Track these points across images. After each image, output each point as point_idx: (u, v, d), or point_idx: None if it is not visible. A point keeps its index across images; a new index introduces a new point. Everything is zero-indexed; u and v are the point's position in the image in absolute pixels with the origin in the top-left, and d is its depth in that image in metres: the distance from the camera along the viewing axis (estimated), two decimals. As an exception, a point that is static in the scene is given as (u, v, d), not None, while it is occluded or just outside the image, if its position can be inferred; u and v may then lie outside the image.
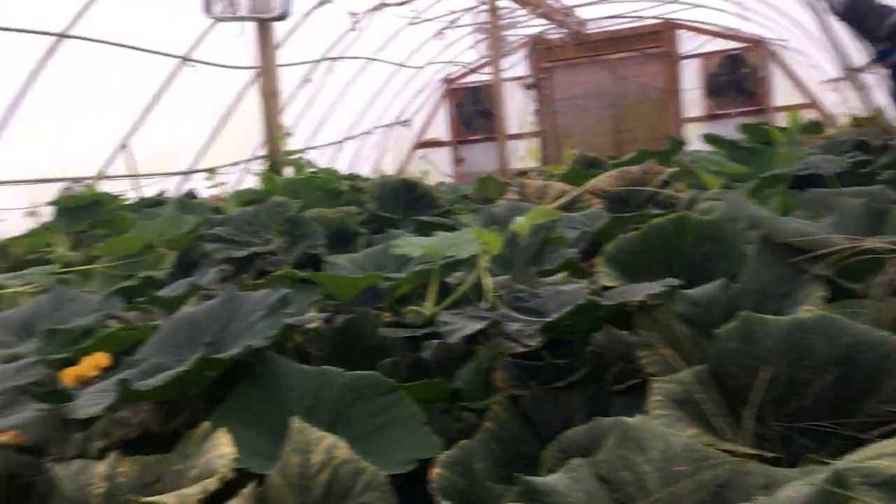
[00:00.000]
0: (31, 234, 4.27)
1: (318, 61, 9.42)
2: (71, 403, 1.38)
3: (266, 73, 5.80)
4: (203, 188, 6.63)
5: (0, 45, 5.64)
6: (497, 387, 1.45)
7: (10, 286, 2.84)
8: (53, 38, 5.94)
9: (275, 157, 5.51)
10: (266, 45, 5.79)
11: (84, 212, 4.25)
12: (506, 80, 11.78)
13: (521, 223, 1.69)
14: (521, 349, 1.57)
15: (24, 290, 2.87)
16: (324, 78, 9.74)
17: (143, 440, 1.68)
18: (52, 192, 6.35)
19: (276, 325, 1.41)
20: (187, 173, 8.46)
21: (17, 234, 4.78)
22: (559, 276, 1.91)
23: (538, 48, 14.13)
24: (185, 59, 7.22)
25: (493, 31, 10.11)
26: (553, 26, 12.75)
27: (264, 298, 1.54)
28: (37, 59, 5.99)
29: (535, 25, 12.94)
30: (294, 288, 1.93)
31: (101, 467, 1.22)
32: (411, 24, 10.20)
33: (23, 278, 2.94)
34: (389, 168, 13.52)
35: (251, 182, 8.98)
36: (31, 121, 6.21)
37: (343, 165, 10.61)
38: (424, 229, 2.98)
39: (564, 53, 13.42)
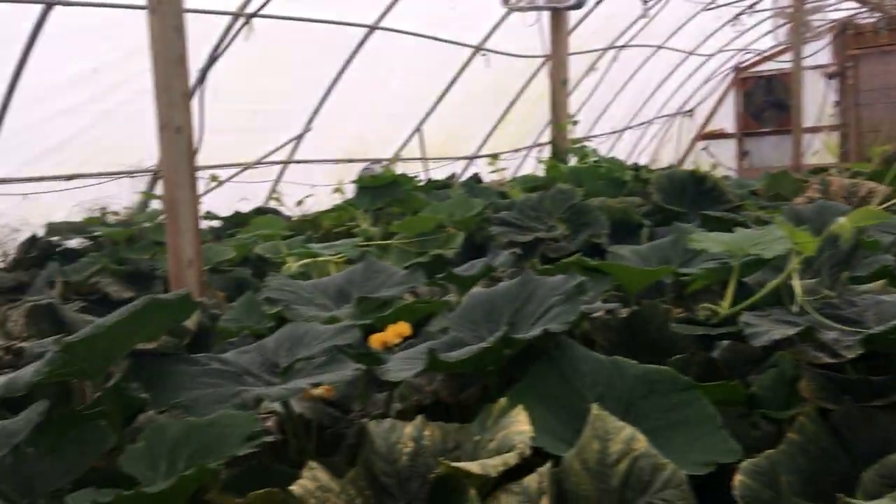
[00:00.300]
0: (337, 209, 4.71)
1: (606, 49, 9.36)
2: (383, 366, 1.50)
3: (556, 61, 5.87)
4: (485, 173, 6.89)
5: (318, 37, 6.26)
6: (802, 397, 1.36)
7: (323, 255, 3.16)
8: (365, 30, 6.47)
9: (559, 145, 5.58)
10: (558, 33, 5.87)
11: (382, 191, 4.60)
12: (805, 68, 10.89)
13: (842, 224, 1.56)
14: (828, 360, 1.46)
15: (334, 259, 3.18)
16: (608, 66, 9.66)
17: (434, 407, 1.80)
18: (353, 170, 6.97)
19: (574, 311, 1.43)
20: (471, 158, 8.83)
21: (324, 208, 5.32)
22: (876, 285, 1.74)
23: (845, 34, 12.89)
24: (479, 48, 7.51)
25: (796, 16, 9.38)
26: (865, 10, 11.56)
27: (560, 284, 1.57)
28: (350, 49, 6.56)
29: (844, 9, 11.81)
30: (584, 276, 1.94)
31: (409, 428, 1.32)
32: (706, 9, 9.77)
33: (333, 249, 3.26)
34: (668, 159, 13.12)
35: (530, 168, 9.18)
36: (339, 105, 6.83)
37: (620, 155, 10.45)
38: (712, 224, 2.86)
39: (877, 39, 12.11)
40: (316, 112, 6.71)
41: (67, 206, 5.23)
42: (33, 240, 4.86)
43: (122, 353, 1.38)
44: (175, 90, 2.62)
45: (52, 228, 4.90)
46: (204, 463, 1.09)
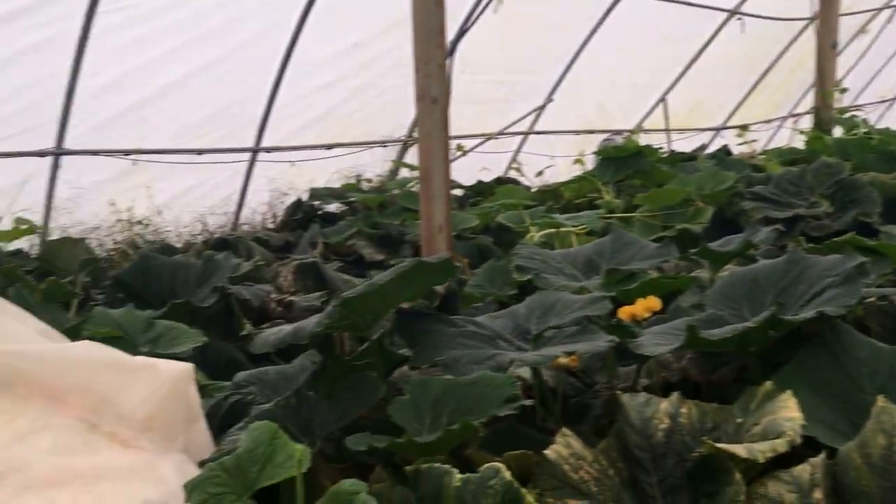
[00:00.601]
0: (577, 179, 4.67)
1: (881, 9, 8.44)
2: (636, 340, 1.48)
3: (825, 22, 5.37)
4: (733, 145, 6.51)
5: (563, 8, 6.21)
6: None
7: (566, 225, 3.16)
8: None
9: (823, 115, 5.13)
10: (831, -8, 5.36)
11: (625, 162, 4.50)
12: None
13: None
14: None
15: (576, 230, 3.17)
16: (882, 27, 8.72)
17: (682, 385, 1.74)
18: (593, 142, 6.87)
19: (854, 294, 1.32)
20: (718, 129, 8.39)
21: (563, 178, 5.30)
22: None
23: None
24: (734, 12, 7.07)
25: None
26: None
27: (836, 264, 1.45)
28: (593, 18, 6.45)
29: None
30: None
31: (664, 404, 1.29)
32: None
33: (576, 220, 3.26)
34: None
35: (782, 140, 8.54)
36: (579, 76, 6.75)
37: (892, 126, 9.45)
38: None
39: None
40: (558, 83, 6.69)
41: (327, 172, 5.65)
42: (298, 203, 5.32)
43: (389, 310, 1.47)
44: (433, 61, 2.71)
45: (314, 193, 5.33)
46: (468, 419, 1.14)
